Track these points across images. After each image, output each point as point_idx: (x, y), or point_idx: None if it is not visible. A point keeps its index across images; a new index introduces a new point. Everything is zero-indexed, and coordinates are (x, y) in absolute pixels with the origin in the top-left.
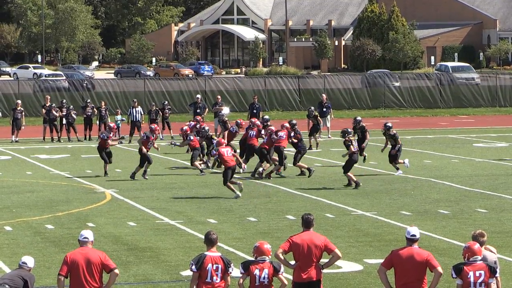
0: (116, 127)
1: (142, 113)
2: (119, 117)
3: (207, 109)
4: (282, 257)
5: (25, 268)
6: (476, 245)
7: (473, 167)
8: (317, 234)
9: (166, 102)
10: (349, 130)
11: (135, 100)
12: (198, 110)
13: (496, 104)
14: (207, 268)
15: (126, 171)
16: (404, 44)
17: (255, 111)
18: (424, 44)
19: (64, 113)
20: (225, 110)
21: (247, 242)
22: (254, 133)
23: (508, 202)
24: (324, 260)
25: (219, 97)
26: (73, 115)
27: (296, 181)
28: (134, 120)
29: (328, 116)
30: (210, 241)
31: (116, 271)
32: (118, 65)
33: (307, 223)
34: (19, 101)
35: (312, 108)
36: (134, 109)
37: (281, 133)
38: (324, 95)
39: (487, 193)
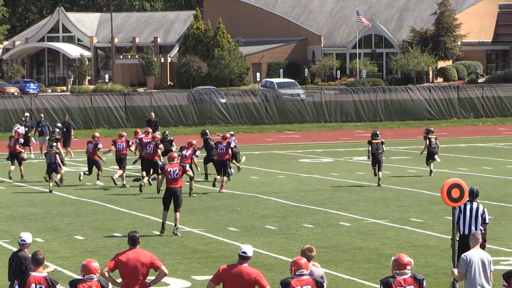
0: None
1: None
2: None
3: (34, 128)
4: (107, 275)
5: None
6: (303, 260)
7: (299, 182)
8: (143, 251)
9: None
10: None
11: (27, 114)
12: (26, 129)
13: (321, 120)
14: None
15: None
16: (229, 60)
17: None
18: (249, 60)
19: None
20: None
21: (75, 261)
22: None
23: (334, 217)
24: (151, 278)
25: (41, 115)
26: None
27: (124, 198)
28: None
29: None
30: (35, 261)
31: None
32: None
33: (133, 241)
34: None
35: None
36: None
37: None
38: (152, 113)
39: (313, 208)
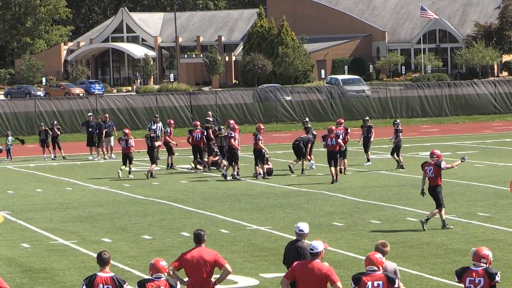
0: (6, 149)
1: (162, 128)
2: (10, 138)
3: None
4: (172, 273)
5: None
6: (377, 255)
7: (365, 178)
8: (208, 250)
9: (55, 122)
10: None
11: (157, 115)
12: (90, 129)
13: (387, 116)
14: None
15: (18, 193)
16: (294, 58)
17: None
18: (314, 57)
19: None
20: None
21: (142, 260)
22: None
23: (401, 212)
24: (216, 276)
25: (107, 115)
26: None
27: (190, 197)
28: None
29: None
30: (102, 261)
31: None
32: (8, 86)
33: (197, 238)
34: None
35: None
36: (155, 124)
37: None
38: (210, 112)
39: (380, 204)
